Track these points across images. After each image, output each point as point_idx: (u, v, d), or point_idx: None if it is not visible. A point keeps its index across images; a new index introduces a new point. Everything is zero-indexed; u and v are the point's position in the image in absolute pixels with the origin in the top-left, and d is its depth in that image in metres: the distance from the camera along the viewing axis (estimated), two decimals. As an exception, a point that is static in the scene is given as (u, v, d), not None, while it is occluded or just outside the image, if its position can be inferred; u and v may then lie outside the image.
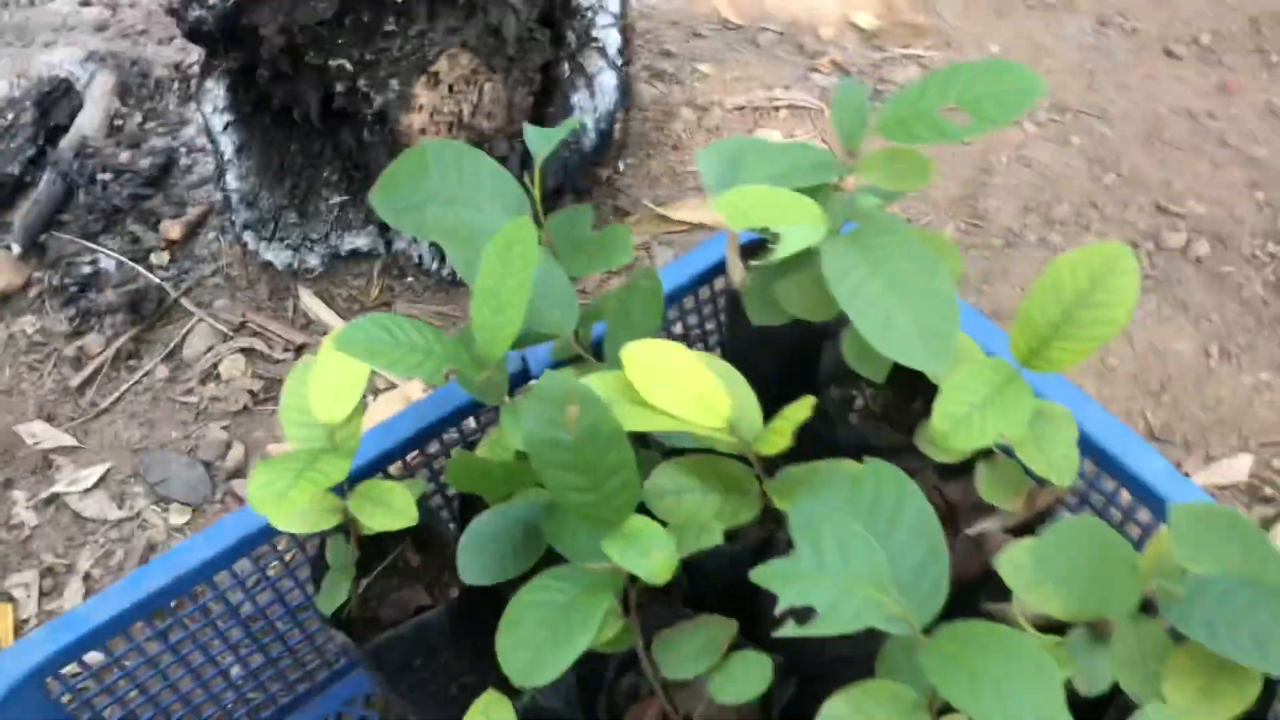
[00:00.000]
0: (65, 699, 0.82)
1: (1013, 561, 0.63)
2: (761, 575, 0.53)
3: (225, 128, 1.23)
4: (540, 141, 0.80)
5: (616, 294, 0.79)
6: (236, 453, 1.16)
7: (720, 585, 0.83)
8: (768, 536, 0.83)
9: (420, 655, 0.82)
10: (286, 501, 0.68)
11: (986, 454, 0.85)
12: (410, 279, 1.30)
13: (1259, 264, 1.22)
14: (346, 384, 0.74)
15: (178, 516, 1.12)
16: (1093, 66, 1.48)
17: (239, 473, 1.15)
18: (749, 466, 0.70)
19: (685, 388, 0.62)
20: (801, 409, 0.62)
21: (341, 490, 0.81)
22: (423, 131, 1.20)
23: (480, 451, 0.81)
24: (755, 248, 0.93)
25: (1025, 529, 0.81)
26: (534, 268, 0.69)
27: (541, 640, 0.57)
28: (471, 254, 0.74)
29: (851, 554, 0.53)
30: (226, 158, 1.23)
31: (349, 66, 1.17)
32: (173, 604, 0.83)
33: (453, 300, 1.28)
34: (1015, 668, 0.51)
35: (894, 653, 0.65)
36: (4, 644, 1.04)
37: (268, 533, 0.84)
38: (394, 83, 1.18)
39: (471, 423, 0.90)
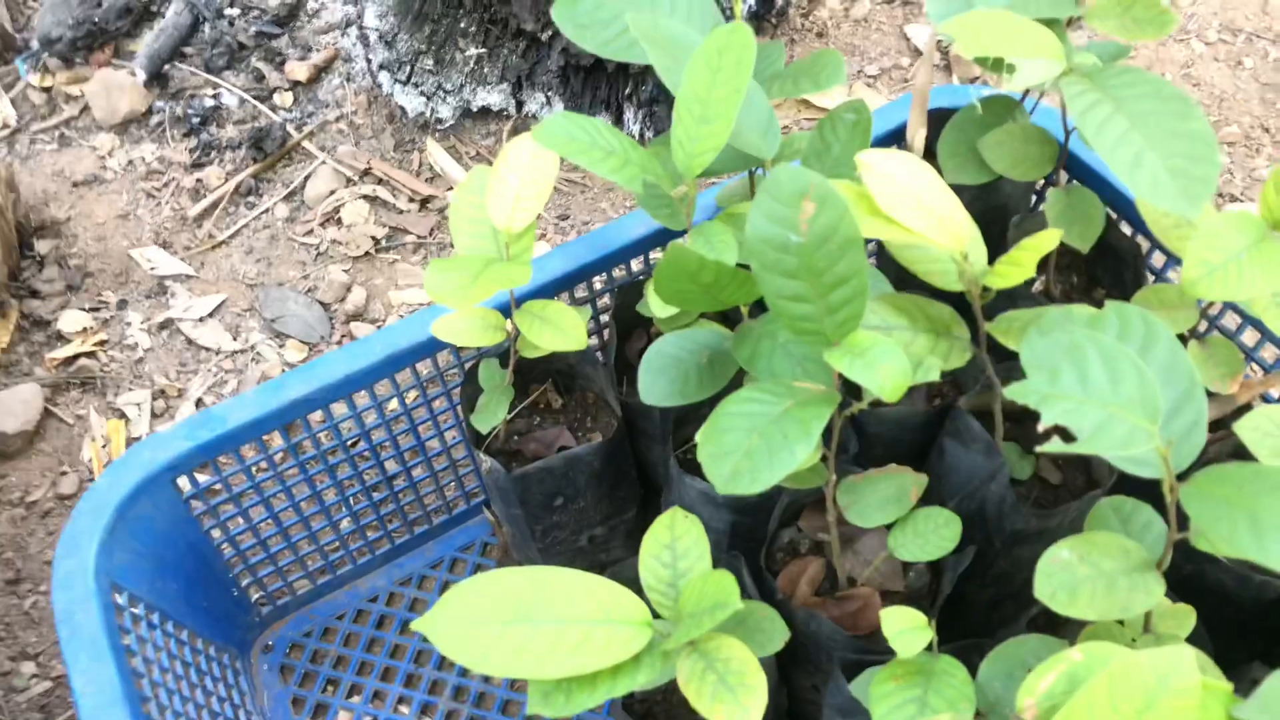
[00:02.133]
0: (194, 502, 0.79)
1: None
2: (1019, 392, 0.49)
3: (368, -37, 1.18)
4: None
5: (814, 130, 0.73)
6: (357, 296, 1.12)
7: (885, 449, 0.79)
8: (944, 403, 0.78)
9: (564, 493, 0.79)
10: (468, 296, 0.64)
11: (1198, 334, 0.80)
12: (539, 142, 1.25)
13: None
14: (528, 192, 0.70)
15: (293, 353, 1.09)
16: (1269, -10, 1.39)
17: (358, 316, 1.11)
18: (956, 312, 0.65)
19: (925, 205, 0.57)
20: (1047, 240, 0.57)
21: (506, 314, 0.77)
22: (573, -18, 1.14)
23: (646, 297, 0.76)
24: (940, 115, 0.87)
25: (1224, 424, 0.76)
26: (748, 77, 0.64)
27: (754, 448, 0.53)
28: (675, 60, 0.69)
29: (1122, 379, 0.48)
30: (366, -6, 1.18)
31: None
32: (310, 417, 0.81)
33: (581, 169, 1.23)
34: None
35: (1104, 514, 0.60)
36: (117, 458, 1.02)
37: (415, 351, 0.80)
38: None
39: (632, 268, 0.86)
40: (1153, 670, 0.40)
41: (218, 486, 0.80)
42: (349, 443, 0.84)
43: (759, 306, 0.70)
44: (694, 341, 0.66)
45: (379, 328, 1.10)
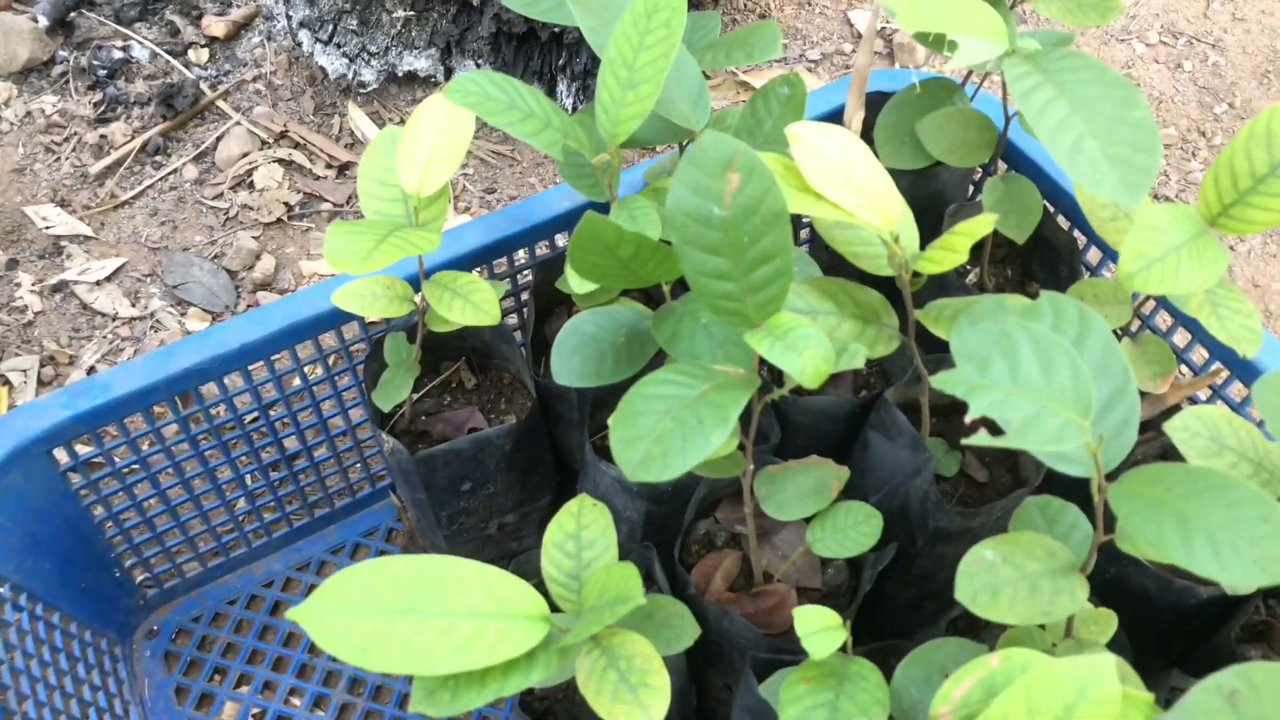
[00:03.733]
0: (72, 476, 0.74)
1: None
2: (946, 381, 0.46)
3: (290, -86, 1.12)
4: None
5: (746, 105, 0.70)
6: (266, 265, 1.07)
7: (808, 440, 0.76)
8: (870, 395, 0.76)
9: (473, 478, 0.74)
10: (369, 262, 0.59)
11: (1130, 332, 0.79)
12: (467, 112, 1.20)
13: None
14: (441, 155, 0.65)
15: (195, 322, 1.03)
16: (1208, -4, 1.39)
17: (267, 285, 1.06)
18: (885, 299, 0.62)
19: (856, 182, 0.54)
20: (981, 224, 0.54)
21: (416, 286, 0.73)
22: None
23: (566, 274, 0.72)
24: (879, 99, 0.85)
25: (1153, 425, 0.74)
26: (678, 41, 0.61)
27: (667, 433, 0.49)
28: (603, 22, 0.65)
29: (1055, 371, 0.46)
30: (288, -53, 1.12)
31: None
32: (200, 389, 0.75)
33: (511, 141, 1.19)
34: (1234, 515, 0.43)
35: (1030, 513, 0.58)
36: (-3, 426, 0.95)
37: (318, 323, 0.75)
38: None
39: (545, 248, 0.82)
40: (1073, 678, 0.38)
41: (100, 460, 0.75)
42: (245, 418, 0.79)
43: (682, 285, 0.66)
44: (612, 320, 0.62)
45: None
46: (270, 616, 0.84)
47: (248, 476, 0.83)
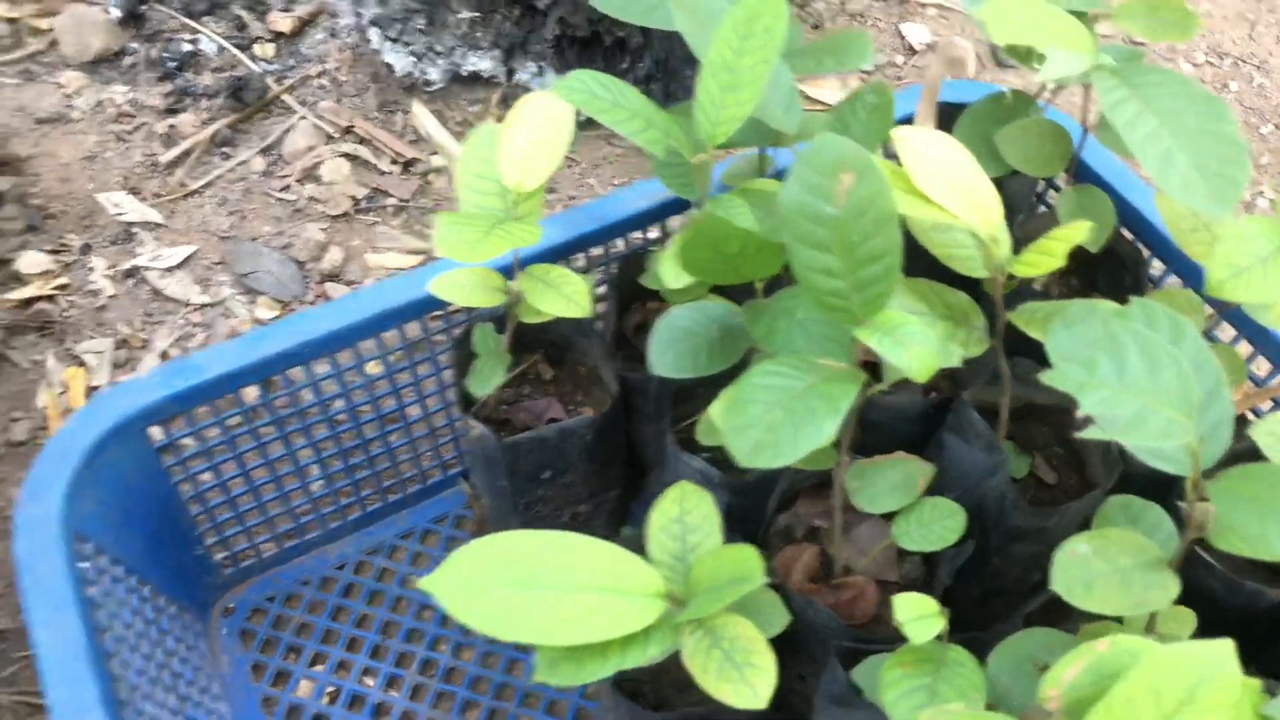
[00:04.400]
0: (164, 454, 0.76)
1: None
2: (1056, 379, 0.48)
3: (364, -85, 1.14)
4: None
5: (833, 111, 0.72)
6: (334, 256, 1.09)
7: (880, 439, 0.78)
8: (940, 397, 0.78)
9: (554, 466, 0.76)
10: (479, 252, 0.61)
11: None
12: (528, 113, 1.23)
13: None
14: (542, 151, 0.67)
15: (264, 310, 1.05)
16: (1254, 17, 1.41)
17: (334, 276, 1.08)
18: (974, 300, 0.64)
19: (957, 185, 0.56)
20: (1077, 231, 0.56)
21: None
22: (576, -49, 1.12)
23: (654, 267, 0.74)
24: (950, 110, 0.87)
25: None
26: (779, 47, 0.63)
27: (778, 421, 0.51)
28: (701, 26, 0.67)
29: (1160, 370, 0.48)
30: (361, -53, 1.15)
31: None
32: (289, 373, 0.77)
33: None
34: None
35: (1113, 512, 0.60)
36: (78, 408, 0.97)
37: (403, 311, 0.78)
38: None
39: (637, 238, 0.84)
40: (1195, 661, 0.40)
41: (189, 439, 0.77)
42: (328, 403, 0.81)
43: (774, 283, 0.68)
44: (705, 315, 0.64)
45: (355, 289, 1.07)
46: (342, 598, 0.86)
47: (327, 460, 0.85)
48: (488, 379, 0.72)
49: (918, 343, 0.52)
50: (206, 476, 0.80)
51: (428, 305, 0.78)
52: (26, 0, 1.28)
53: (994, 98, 0.78)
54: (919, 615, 0.53)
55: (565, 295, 0.69)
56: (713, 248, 0.57)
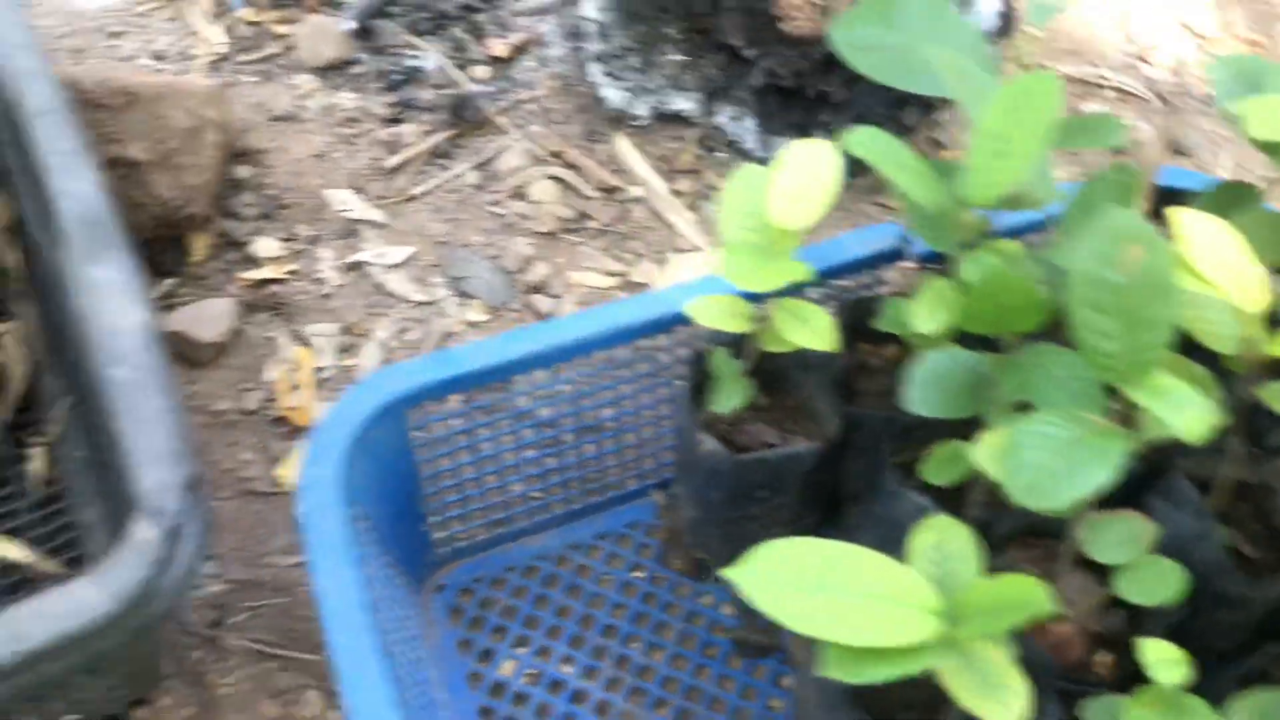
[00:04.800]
0: (415, 434, 0.83)
1: None
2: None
3: (596, -43, 1.23)
4: (1041, 7, 0.78)
5: (1081, 187, 0.77)
6: (539, 270, 1.16)
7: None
8: (1155, 460, 0.81)
9: (770, 488, 0.82)
10: (763, 282, 0.68)
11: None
12: (722, 155, 1.29)
13: None
14: (812, 193, 0.73)
15: (475, 314, 1.12)
16: None
17: (539, 289, 1.15)
18: (1211, 371, 0.68)
19: (1228, 264, 0.60)
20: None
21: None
22: (790, 6, 1.18)
23: (895, 312, 0.80)
24: (1162, 194, 0.91)
25: None
26: (1051, 123, 0.68)
27: (1055, 468, 0.56)
28: (974, 95, 0.72)
29: None
30: (590, -14, 1.23)
31: (742, -76, 1.16)
32: (531, 374, 0.84)
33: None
34: None
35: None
36: (304, 385, 1.05)
37: (643, 328, 0.84)
38: (781, -48, 1.16)
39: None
40: None
41: (435, 424, 0.84)
42: (547, 406, 0.88)
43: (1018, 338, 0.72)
44: (959, 361, 0.69)
45: (558, 302, 1.14)
46: (544, 588, 0.92)
47: (541, 460, 0.92)
48: (729, 399, 0.78)
49: (1193, 406, 0.56)
50: (442, 461, 0.87)
51: (664, 324, 0.84)
52: (270, 8, 1.39)
53: (1227, 186, 0.82)
54: (1166, 659, 0.57)
55: (812, 328, 0.75)
56: (993, 300, 0.62)
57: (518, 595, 0.91)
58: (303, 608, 0.91)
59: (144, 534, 0.60)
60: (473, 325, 1.12)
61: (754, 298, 0.77)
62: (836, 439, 0.81)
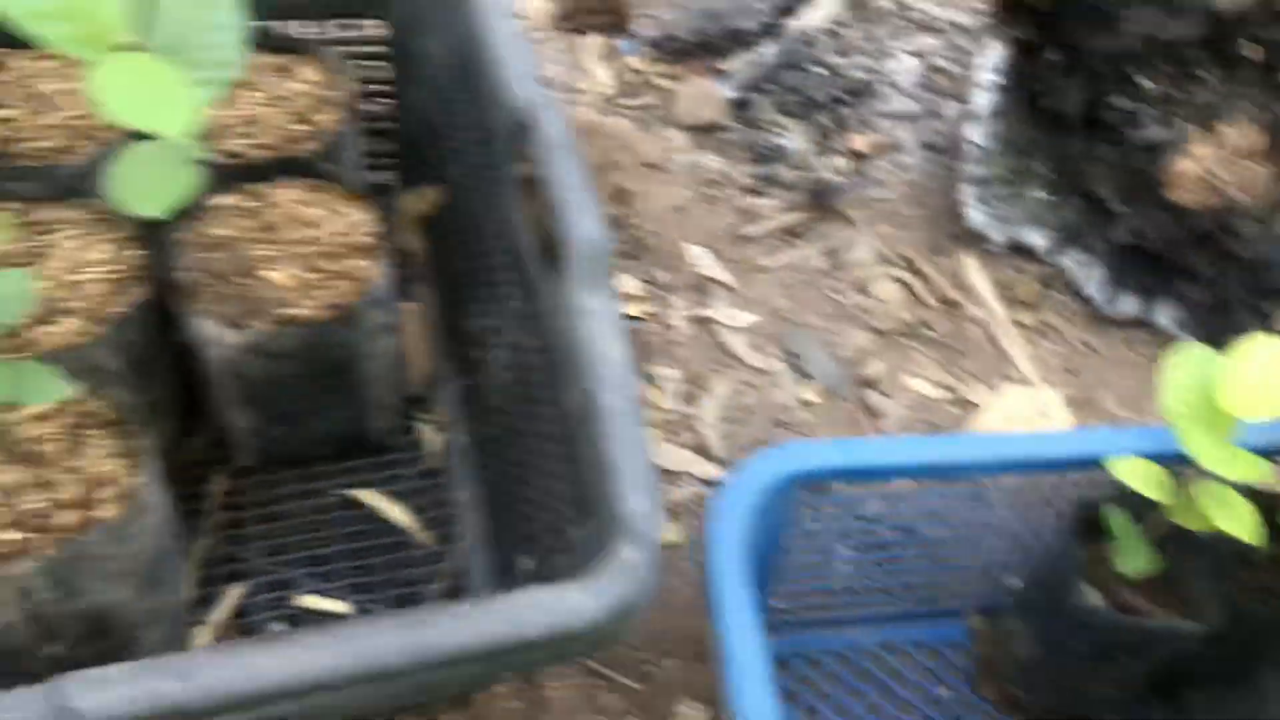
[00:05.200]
0: (803, 510, 0.87)
1: None
2: None
3: (991, 86, 1.27)
4: None
5: None
6: (875, 366, 1.20)
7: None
8: None
9: (1134, 655, 0.83)
10: (1233, 468, 0.69)
11: None
12: (1062, 297, 1.31)
13: None
14: (1271, 388, 0.75)
15: (810, 394, 1.17)
16: None
17: (872, 384, 1.19)
18: None
19: None
20: None
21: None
22: (1183, 176, 1.20)
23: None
24: None
25: None
26: None
27: None
28: None
29: None
30: (979, 112, 1.27)
31: (1150, 87, 1.19)
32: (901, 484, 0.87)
33: (1099, 332, 1.28)
34: None
35: None
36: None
37: (1048, 464, 0.86)
38: (1182, 123, 1.18)
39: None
40: None
41: (816, 504, 0.88)
42: (897, 510, 0.91)
43: None
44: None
45: (889, 402, 1.17)
46: (858, 680, 0.95)
47: (884, 562, 0.95)
48: (1133, 562, 0.79)
49: None
50: (798, 539, 0.91)
51: (1065, 466, 0.86)
52: (655, 61, 1.48)
53: None
54: None
55: (1236, 515, 0.76)
56: None
57: (831, 681, 0.94)
58: (631, 637, 0.96)
59: (630, 555, 0.65)
60: (806, 405, 1.16)
61: (1174, 469, 0.79)
62: (1218, 626, 0.82)
